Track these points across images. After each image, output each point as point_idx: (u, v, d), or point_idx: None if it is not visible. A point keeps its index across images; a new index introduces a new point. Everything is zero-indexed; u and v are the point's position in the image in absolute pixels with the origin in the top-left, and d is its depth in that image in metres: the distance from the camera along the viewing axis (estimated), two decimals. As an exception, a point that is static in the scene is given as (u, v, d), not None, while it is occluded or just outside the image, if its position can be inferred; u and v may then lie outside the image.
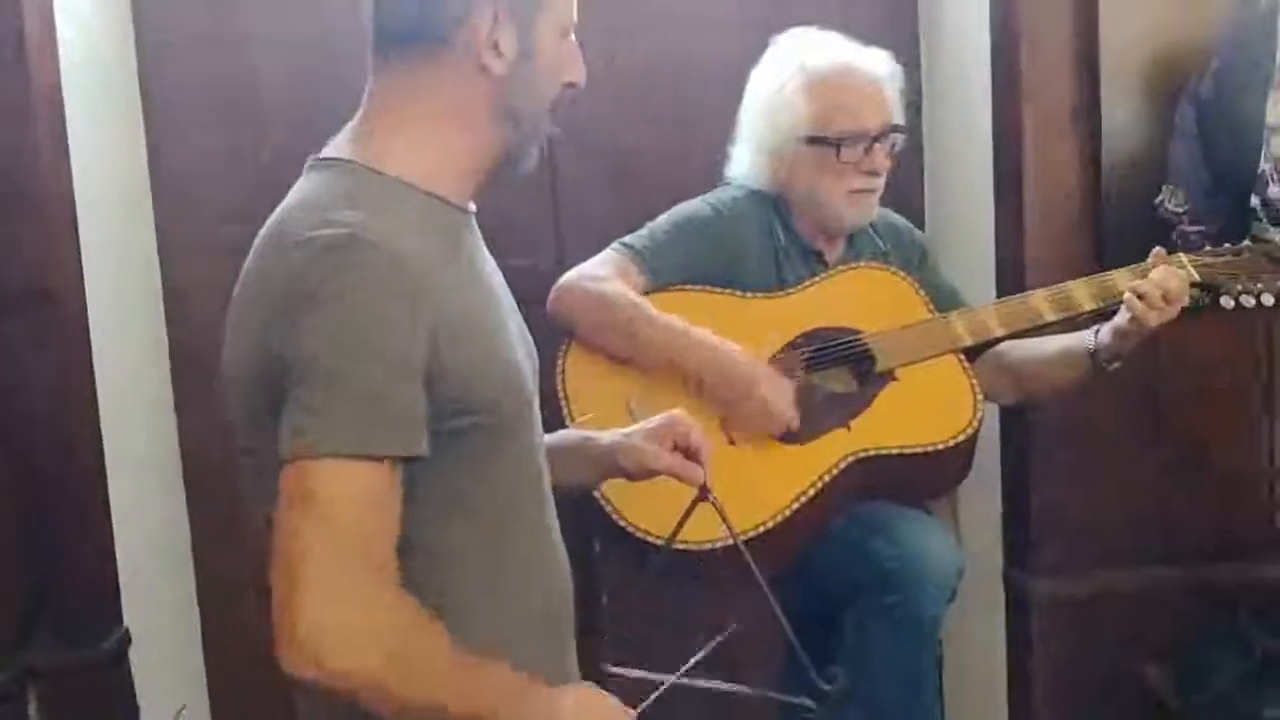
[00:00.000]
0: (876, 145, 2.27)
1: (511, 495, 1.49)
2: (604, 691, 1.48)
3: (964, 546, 2.49)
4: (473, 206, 1.52)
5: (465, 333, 1.39)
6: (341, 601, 1.26)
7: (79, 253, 2.50)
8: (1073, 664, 2.71)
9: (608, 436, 1.74)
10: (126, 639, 2.58)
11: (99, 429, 2.53)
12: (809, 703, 1.64)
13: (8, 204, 2.38)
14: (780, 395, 2.14)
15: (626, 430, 1.73)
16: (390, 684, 1.28)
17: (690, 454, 1.69)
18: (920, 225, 2.92)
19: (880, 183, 2.31)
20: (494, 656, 1.38)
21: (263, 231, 1.43)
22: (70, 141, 2.49)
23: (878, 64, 2.32)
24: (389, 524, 1.32)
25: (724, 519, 1.67)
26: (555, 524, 1.59)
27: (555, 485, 1.60)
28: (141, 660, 2.62)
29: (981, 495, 2.86)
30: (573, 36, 1.52)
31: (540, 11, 1.46)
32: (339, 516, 1.27)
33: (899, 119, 2.33)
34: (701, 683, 1.61)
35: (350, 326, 1.29)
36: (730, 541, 1.83)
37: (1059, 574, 2.71)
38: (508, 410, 1.45)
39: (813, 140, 2.28)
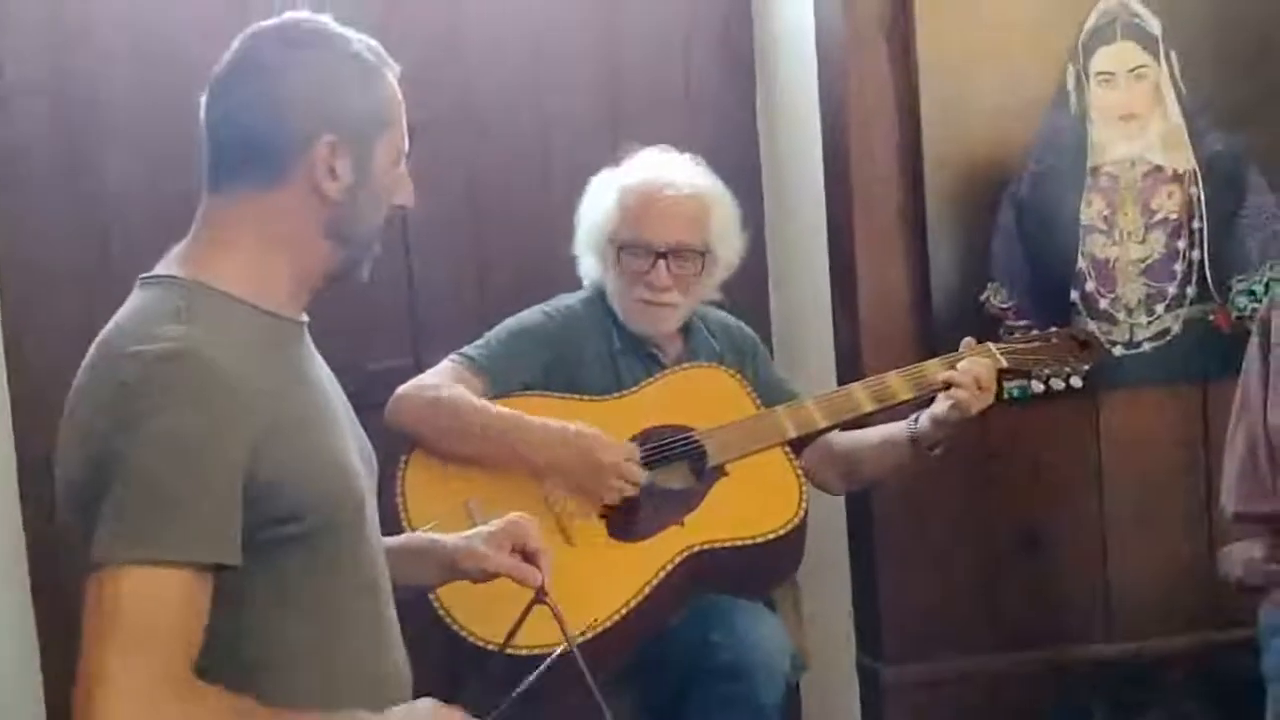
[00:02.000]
0: (661, 261, 2.36)
1: (344, 595, 1.51)
2: (438, 702, 1.51)
3: (808, 635, 2.56)
4: (304, 317, 1.57)
5: (291, 440, 1.43)
6: (133, 706, 1.28)
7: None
8: (924, 748, 2.78)
9: (451, 540, 1.78)
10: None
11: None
12: None
13: None
14: (621, 455, 2.22)
15: (468, 533, 1.78)
16: None
17: (528, 556, 1.74)
18: (766, 327, 3.04)
19: (672, 298, 2.39)
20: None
21: (94, 345, 1.46)
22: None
23: (695, 186, 2.42)
24: (189, 630, 1.34)
25: (559, 621, 1.71)
26: (393, 619, 1.61)
27: (399, 585, 1.64)
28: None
29: (833, 587, 2.94)
30: (404, 163, 1.58)
31: (377, 140, 1.52)
32: (134, 622, 1.30)
33: (710, 243, 2.41)
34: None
35: (166, 438, 1.33)
36: (563, 646, 1.88)
37: (907, 660, 2.79)
38: (338, 513, 1.49)
39: (610, 241, 2.40)
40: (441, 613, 2.08)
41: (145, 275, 1.51)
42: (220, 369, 1.37)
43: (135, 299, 1.49)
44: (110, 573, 1.31)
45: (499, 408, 2.27)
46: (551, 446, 2.23)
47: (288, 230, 1.50)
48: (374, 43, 1.55)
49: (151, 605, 1.31)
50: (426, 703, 1.52)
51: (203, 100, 1.51)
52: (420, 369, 2.45)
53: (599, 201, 2.44)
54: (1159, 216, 2.79)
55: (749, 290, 2.95)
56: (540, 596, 1.72)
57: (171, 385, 1.35)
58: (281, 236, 1.50)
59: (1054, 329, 2.51)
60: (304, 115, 1.47)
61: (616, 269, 2.41)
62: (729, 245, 2.45)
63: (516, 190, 3.08)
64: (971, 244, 2.76)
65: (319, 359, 1.61)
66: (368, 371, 2.79)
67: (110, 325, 1.47)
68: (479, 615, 2.04)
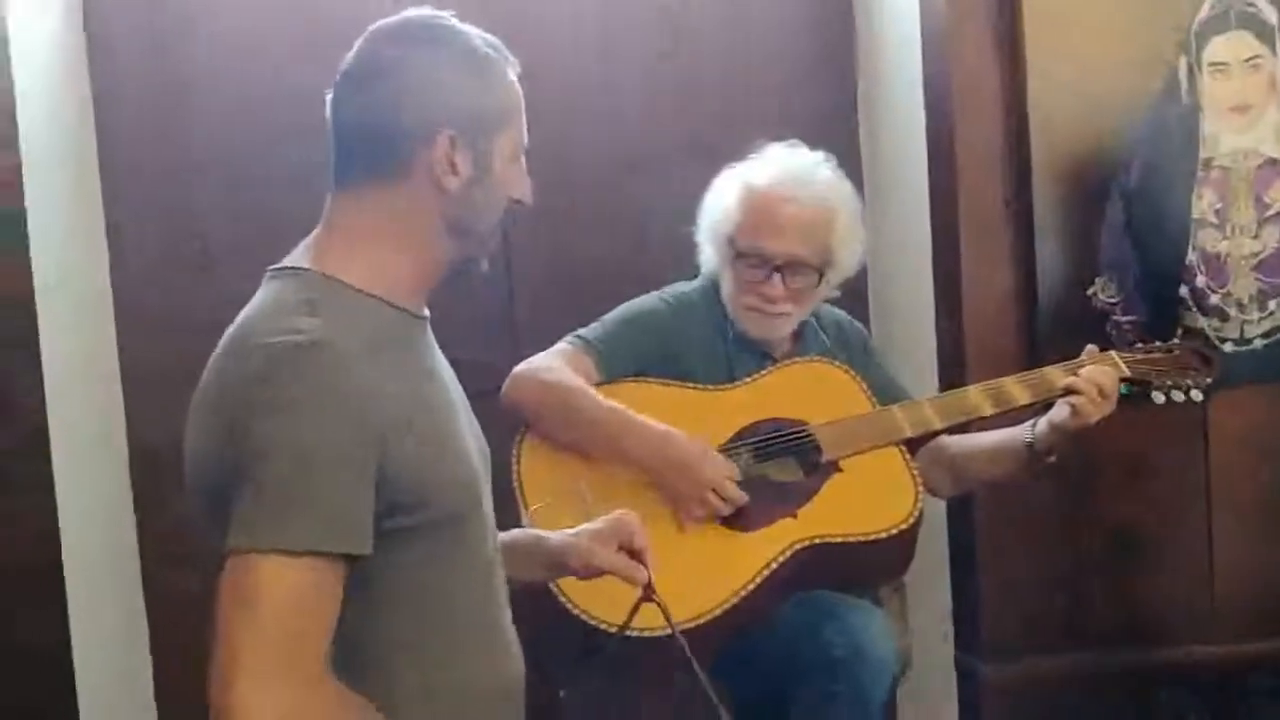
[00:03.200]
0: (776, 275, 2.33)
1: (462, 589, 1.53)
2: None
3: (912, 632, 2.53)
4: (426, 312, 1.59)
5: (417, 434, 1.44)
6: (270, 697, 1.30)
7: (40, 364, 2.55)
8: (1022, 745, 2.76)
9: (557, 537, 1.80)
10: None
11: (57, 527, 2.55)
12: None
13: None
14: (722, 473, 2.20)
15: (575, 530, 1.79)
16: None
17: (635, 554, 1.75)
18: (865, 323, 3.00)
19: (786, 308, 2.35)
20: None
21: (225, 336, 1.49)
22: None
23: (821, 198, 2.36)
24: (323, 621, 1.36)
25: (666, 617, 1.71)
26: (508, 615, 1.63)
27: (508, 580, 1.65)
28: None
29: (932, 584, 2.92)
30: (523, 159, 1.59)
31: (496, 135, 1.53)
32: (271, 613, 1.32)
33: (818, 256, 2.35)
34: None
35: (302, 430, 1.35)
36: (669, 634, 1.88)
37: (1006, 658, 2.76)
38: (458, 507, 1.50)
39: (729, 242, 2.36)
40: (559, 595, 2.08)
41: (274, 267, 1.54)
42: (351, 360, 1.39)
43: (265, 291, 1.51)
44: (247, 561, 1.33)
45: (608, 402, 2.26)
46: (654, 452, 2.22)
47: (409, 224, 1.52)
48: (494, 39, 1.57)
49: (287, 593, 1.33)
50: None
51: (328, 99, 1.55)
52: (518, 361, 2.44)
53: (722, 198, 2.40)
54: (1273, 210, 2.74)
55: (847, 287, 2.91)
56: (648, 594, 1.73)
57: (304, 376, 1.37)
58: (404, 231, 1.52)
59: (1176, 340, 2.46)
60: (423, 111, 1.49)
61: (731, 271, 2.38)
62: (850, 253, 2.41)
63: (608, 182, 3.08)
64: (1079, 238, 2.72)
65: (438, 352, 1.62)
66: (466, 362, 2.82)
67: (241, 317, 1.49)
68: (595, 598, 2.04)
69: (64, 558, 2.57)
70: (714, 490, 2.18)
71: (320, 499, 1.35)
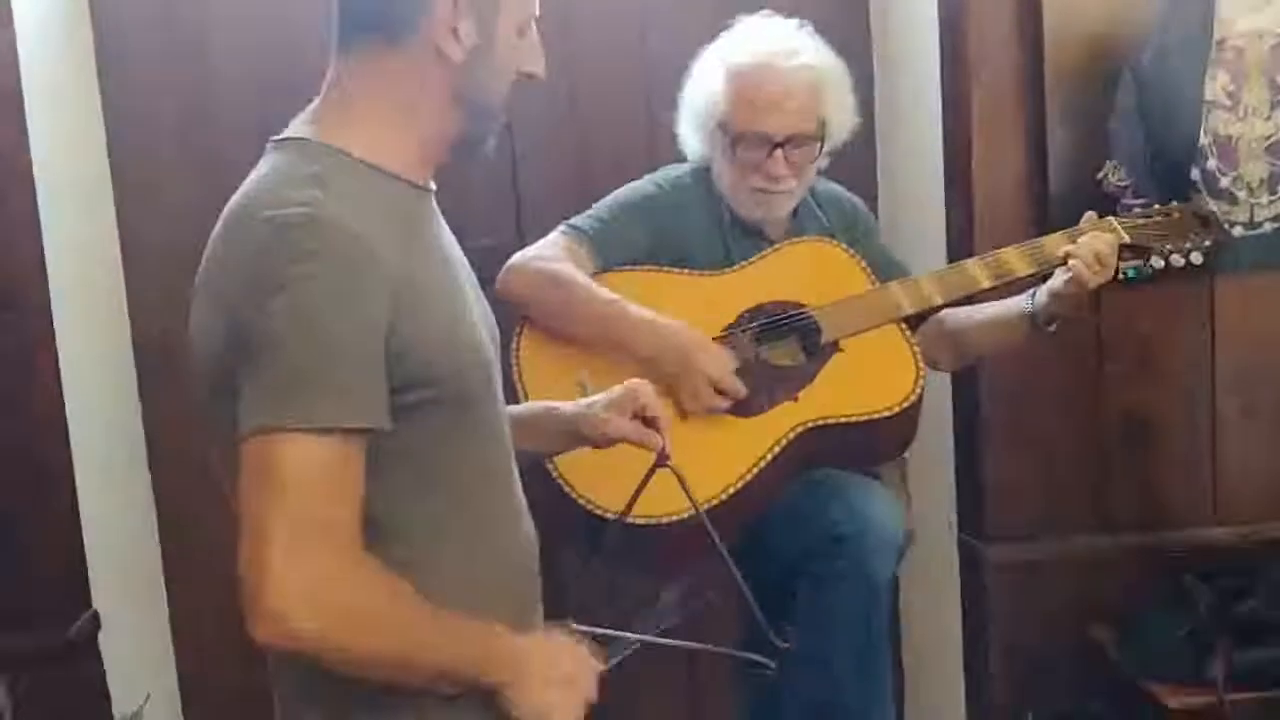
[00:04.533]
0: (778, 151, 2.29)
1: (477, 463, 1.52)
2: (571, 639, 1.54)
3: (915, 511, 2.55)
4: (432, 185, 1.55)
5: (425, 307, 1.42)
6: (303, 570, 1.30)
7: (42, 252, 2.54)
8: (1024, 625, 2.78)
9: (570, 407, 1.79)
10: (96, 623, 2.62)
11: (64, 416, 2.57)
12: (768, 662, 1.71)
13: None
14: (719, 365, 2.19)
15: (588, 400, 1.78)
16: (355, 643, 1.33)
17: (649, 422, 1.74)
18: (874, 206, 2.98)
19: (789, 185, 2.33)
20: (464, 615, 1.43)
21: (228, 208, 1.45)
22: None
23: (809, 67, 2.32)
24: (350, 494, 1.36)
25: (683, 485, 1.71)
26: (519, 489, 1.63)
27: (517, 454, 1.64)
28: (110, 644, 2.66)
29: (935, 464, 2.93)
30: (534, 29, 1.55)
31: (502, 3, 1.49)
32: (298, 490, 1.31)
33: (815, 127, 2.33)
34: (668, 641, 1.65)
35: (311, 306, 1.33)
36: (682, 515, 1.89)
37: (1010, 539, 2.78)
38: (470, 381, 1.49)
39: (721, 128, 2.32)
40: (560, 481, 2.09)
41: (276, 138, 1.50)
42: (356, 233, 1.36)
43: (266, 163, 1.48)
44: (270, 441, 1.32)
45: (605, 292, 2.25)
46: (650, 344, 2.21)
47: (412, 92, 1.48)
48: None
49: (315, 471, 1.32)
50: (563, 639, 1.53)
51: None
52: (524, 246, 2.43)
53: (705, 83, 2.36)
54: (1286, 92, 2.70)
55: (857, 169, 2.88)
56: (662, 460, 1.72)
57: (310, 250, 1.34)
58: (407, 99, 1.48)
59: (1175, 204, 2.43)
60: None
61: (728, 156, 2.34)
62: (843, 119, 2.38)
63: (614, 64, 3.05)
64: (1090, 121, 2.67)
65: (445, 227, 1.60)
66: (472, 248, 2.82)
67: (242, 190, 1.45)
68: (596, 483, 2.05)
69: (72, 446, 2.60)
70: (711, 382, 2.18)
71: (337, 375, 1.33)
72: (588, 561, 2.14)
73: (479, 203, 2.93)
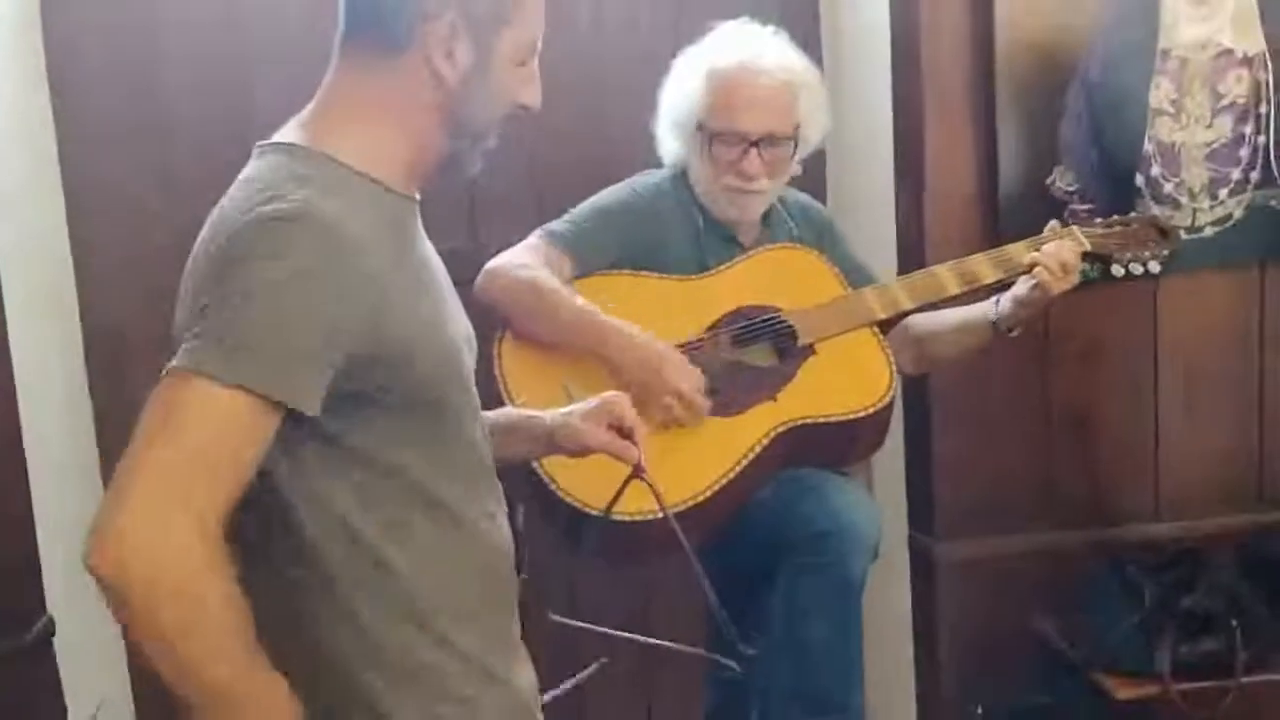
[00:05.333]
0: (753, 150, 2.34)
1: (452, 468, 1.54)
2: None
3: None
4: (417, 196, 1.57)
5: (407, 313, 1.44)
6: (161, 517, 1.27)
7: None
8: (973, 619, 2.86)
9: (548, 415, 1.81)
10: (50, 628, 2.57)
11: (17, 421, 2.52)
12: (733, 665, 1.78)
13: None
14: (685, 377, 2.22)
15: (566, 409, 1.81)
16: (168, 620, 1.28)
17: (625, 433, 1.77)
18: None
19: (763, 185, 2.37)
20: (431, 622, 1.47)
21: (214, 211, 1.46)
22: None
23: (786, 69, 2.37)
24: (241, 461, 1.33)
25: (656, 495, 1.76)
26: (496, 494, 1.64)
27: (495, 459, 1.66)
28: (65, 649, 2.61)
29: (887, 464, 2.99)
30: (535, 61, 1.56)
31: (501, 30, 1.50)
32: (191, 435, 1.29)
33: (789, 129, 2.38)
34: (639, 637, 1.71)
35: (278, 279, 1.33)
36: (658, 514, 1.92)
37: (959, 536, 2.85)
38: (447, 387, 1.51)
39: (699, 127, 2.36)
40: (544, 478, 2.12)
41: (264, 142, 1.50)
42: (340, 233, 1.37)
43: (253, 166, 1.48)
44: (176, 379, 1.31)
45: (579, 301, 2.27)
46: (624, 355, 2.23)
47: (403, 105, 1.49)
48: None
49: (206, 419, 1.30)
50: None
51: None
52: (482, 250, 2.43)
53: (685, 84, 2.39)
54: (1226, 100, 2.78)
55: (807, 175, 2.90)
56: (638, 472, 1.76)
57: (289, 241, 1.35)
58: (397, 111, 1.49)
59: (1134, 215, 2.52)
60: None
61: (704, 155, 2.37)
62: (816, 126, 2.43)
63: (572, 75, 3.04)
64: (1039, 127, 2.75)
65: (425, 237, 1.61)
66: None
67: (227, 195, 1.45)
68: (580, 481, 2.07)
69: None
70: (677, 395, 2.21)
71: (272, 343, 1.32)
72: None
73: (433, 205, 2.91)
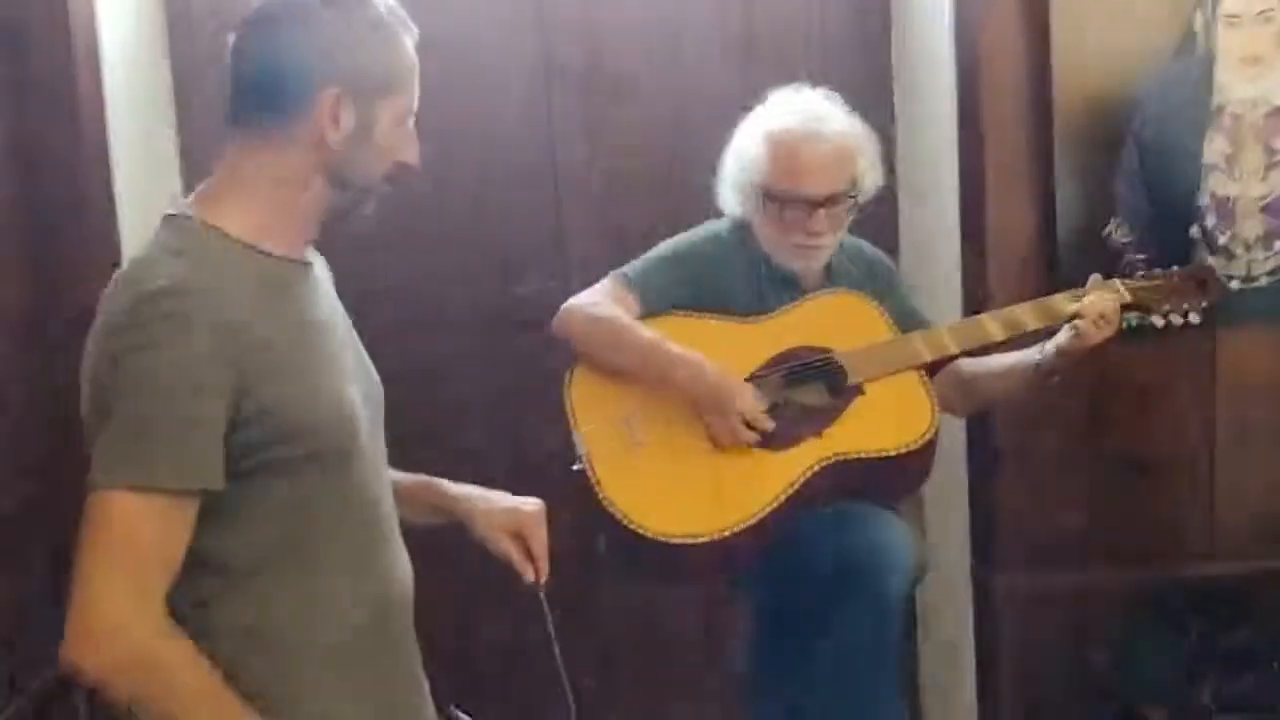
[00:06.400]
0: (820, 211, 2.50)
1: (334, 519, 1.63)
2: None
3: (929, 543, 2.75)
4: (309, 258, 1.70)
5: (284, 373, 1.55)
6: (106, 613, 1.46)
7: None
8: (1031, 650, 2.97)
9: (455, 489, 1.92)
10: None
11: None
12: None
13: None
14: (751, 403, 2.39)
15: (474, 500, 1.90)
16: (138, 688, 1.48)
17: (528, 550, 1.87)
18: (896, 260, 3.20)
19: (828, 240, 2.53)
20: (299, 673, 1.60)
21: (116, 274, 1.59)
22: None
23: (841, 134, 2.53)
24: (167, 551, 1.49)
25: (546, 614, 1.84)
26: (390, 543, 1.74)
27: (405, 522, 1.78)
28: None
29: (952, 502, 3.13)
30: (411, 122, 1.68)
31: (383, 98, 1.62)
32: (116, 542, 1.46)
33: (858, 182, 2.54)
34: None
35: (155, 372, 1.46)
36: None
37: (1018, 570, 2.98)
38: (331, 443, 1.61)
39: (766, 194, 2.53)
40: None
41: (167, 211, 1.62)
42: (208, 306, 1.49)
43: (153, 235, 1.61)
44: (98, 496, 1.47)
45: (649, 333, 2.44)
46: (689, 382, 2.40)
47: (291, 171, 1.61)
48: (397, 6, 1.66)
49: (132, 527, 1.46)
50: None
51: (230, 40, 1.64)
52: (569, 293, 2.62)
53: (747, 148, 2.55)
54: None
55: (880, 225, 3.12)
56: (534, 590, 1.84)
57: (161, 319, 1.47)
58: (285, 177, 1.62)
59: (1175, 268, 2.62)
60: (314, 67, 1.58)
61: (769, 216, 2.52)
62: (872, 177, 2.58)
63: (650, 126, 3.32)
64: (1096, 181, 2.88)
65: (325, 298, 1.73)
66: (515, 295, 3.17)
67: (128, 260, 1.61)
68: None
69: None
70: (743, 419, 2.39)
71: (171, 437, 1.46)
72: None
73: (524, 254, 3.17)
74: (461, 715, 1.75)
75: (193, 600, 1.54)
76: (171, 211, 1.62)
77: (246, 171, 1.62)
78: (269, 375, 1.52)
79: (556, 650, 1.83)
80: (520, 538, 1.87)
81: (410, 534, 1.80)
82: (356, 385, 1.69)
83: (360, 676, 1.66)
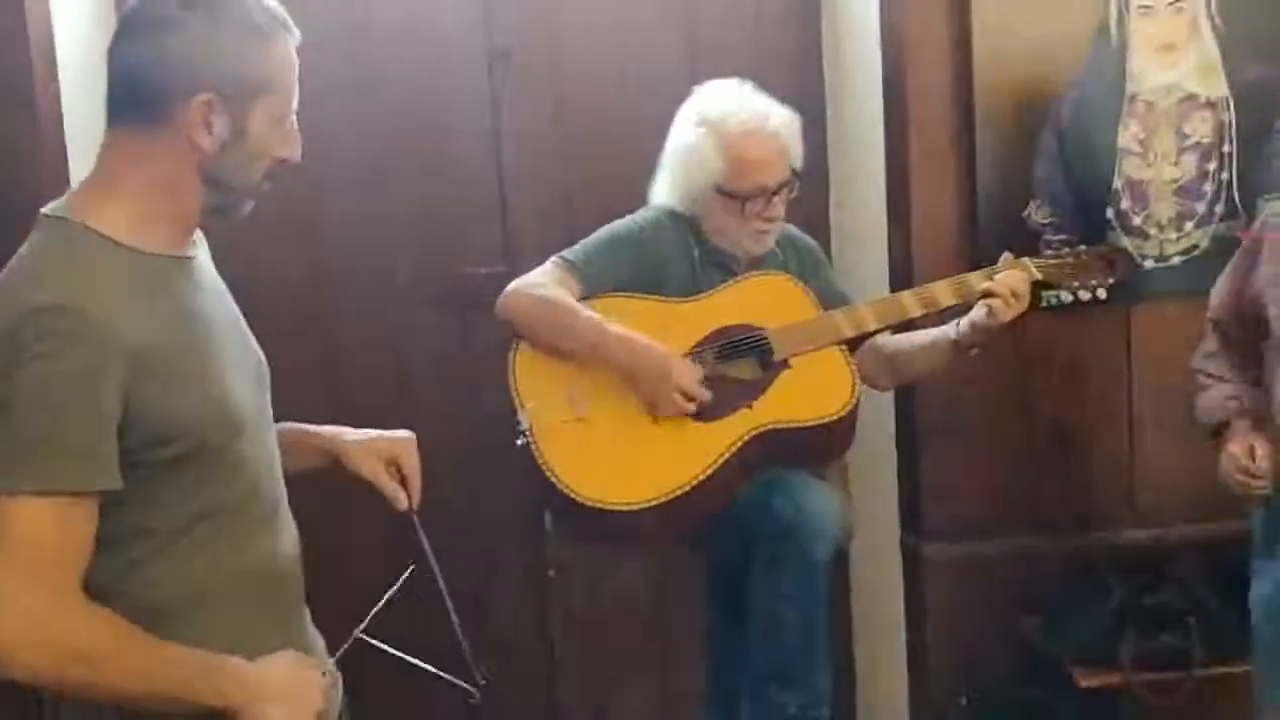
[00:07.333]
0: (775, 197, 2.64)
1: (225, 504, 1.66)
2: (296, 655, 1.69)
3: (857, 509, 2.88)
4: (190, 253, 1.69)
5: (168, 371, 1.56)
6: (20, 617, 1.48)
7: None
8: (958, 615, 3.10)
9: (326, 430, 1.93)
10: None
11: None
12: (472, 689, 1.88)
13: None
14: (688, 376, 2.51)
15: (342, 434, 1.92)
16: (84, 676, 1.51)
17: (403, 478, 1.90)
18: (827, 241, 3.33)
19: (778, 222, 2.68)
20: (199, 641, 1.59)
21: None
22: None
23: (780, 120, 2.66)
24: (74, 549, 1.52)
25: (421, 539, 1.87)
26: (278, 516, 1.76)
27: (289, 471, 1.81)
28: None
29: (881, 475, 3.26)
30: (291, 120, 1.68)
31: (256, 101, 1.61)
32: (25, 547, 1.49)
33: (796, 165, 2.67)
34: (384, 647, 1.79)
35: (37, 384, 1.48)
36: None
37: (945, 538, 3.11)
38: (215, 435, 1.62)
39: (721, 191, 2.64)
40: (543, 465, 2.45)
41: (44, 211, 1.62)
42: (91, 318, 1.50)
43: (33, 237, 1.61)
44: (1, 501, 1.49)
45: (589, 313, 2.55)
46: (629, 358, 2.52)
47: (165, 173, 1.61)
48: (276, 8, 1.65)
49: (34, 530, 1.49)
50: (286, 656, 1.67)
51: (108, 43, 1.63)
52: (512, 275, 2.71)
53: (695, 149, 2.65)
54: (1191, 141, 3.04)
55: (814, 208, 3.26)
56: (406, 516, 1.88)
57: (44, 336, 1.48)
58: (160, 178, 1.61)
59: (1084, 248, 2.74)
60: (184, 72, 1.57)
61: (728, 210, 2.64)
62: (800, 157, 2.71)
63: (598, 112, 3.40)
64: (1016, 165, 3.02)
65: (208, 285, 1.73)
66: (464, 275, 3.24)
67: (9, 266, 1.58)
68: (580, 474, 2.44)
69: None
70: (680, 391, 2.50)
71: (67, 443, 1.49)
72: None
73: (470, 235, 3.26)
74: (372, 640, 1.77)
75: (127, 559, 1.59)
76: (48, 212, 1.62)
77: (121, 173, 1.61)
78: (153, 376, 1.54)
79: (436, 568, 1.85)
80: (394, 464, 1.90)
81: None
82: (240, 368, 1.71)
83: (267, 612, 1.71)
